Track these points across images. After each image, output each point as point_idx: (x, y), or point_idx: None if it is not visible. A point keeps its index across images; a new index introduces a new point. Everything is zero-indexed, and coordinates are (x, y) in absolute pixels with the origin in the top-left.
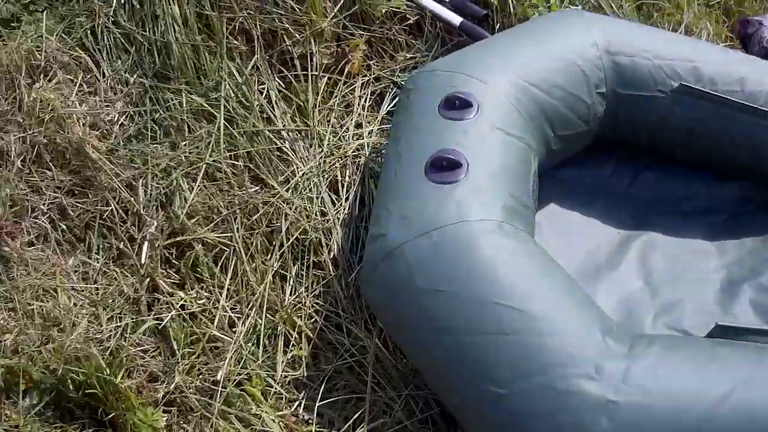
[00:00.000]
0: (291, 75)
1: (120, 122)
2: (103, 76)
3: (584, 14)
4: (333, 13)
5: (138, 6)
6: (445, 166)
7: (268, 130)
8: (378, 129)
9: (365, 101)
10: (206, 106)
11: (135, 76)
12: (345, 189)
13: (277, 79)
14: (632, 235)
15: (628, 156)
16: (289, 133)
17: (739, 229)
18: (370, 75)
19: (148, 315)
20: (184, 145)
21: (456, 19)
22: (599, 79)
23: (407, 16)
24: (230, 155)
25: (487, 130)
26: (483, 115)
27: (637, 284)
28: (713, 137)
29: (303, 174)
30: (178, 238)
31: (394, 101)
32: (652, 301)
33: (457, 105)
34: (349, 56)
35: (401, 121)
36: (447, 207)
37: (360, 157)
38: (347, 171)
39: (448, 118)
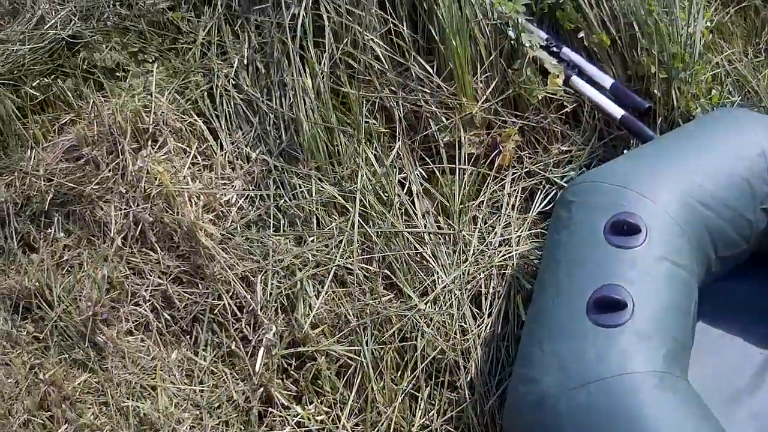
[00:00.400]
0: (435, 165)
1: (238, 205)
2: (221, 149)
3: (751, 115)
4: (484, 97)
5: (264, 70)
6: (609, 306)
7: (408, 232)
8: (528, 234)
9: (515, 200)
10: (339, 197)
11: (257, 152)
12: (488, 303)
13: (419, 167)
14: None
15: None
16: (431, 237)
17: None
18: (522, 169)
19: (259, 427)
20: (312, 240)
21: (617, 112)
22: (765, 194)
23: (564, 103)
24: (363, 258)
25: (654, 261)
26: (651, 242)
27: None
28: None
29: (445, 286)
30: (299, 349)
31: (546, 201)
32: None
33: (625, 230)
34: (500, 147)
35: (562, 241)
36: (609, 356)
37: (507, 267)
38: (492, 282)
39: (615, 245)
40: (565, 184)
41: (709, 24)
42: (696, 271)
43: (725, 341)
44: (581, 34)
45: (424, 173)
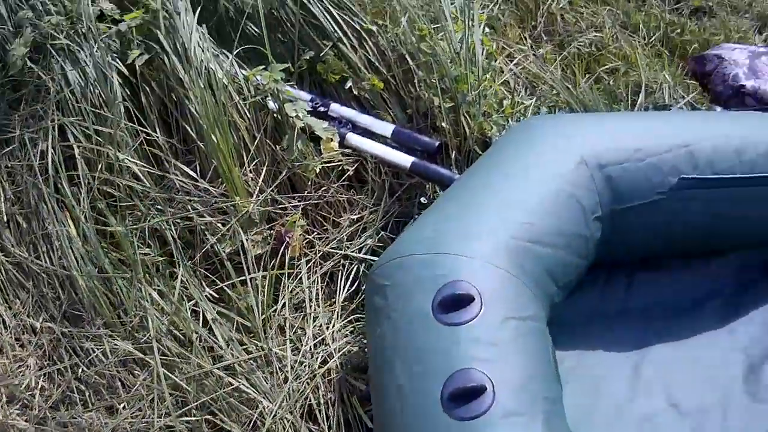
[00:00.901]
0: (224, 284)
1: (39, 386)
2: (5, 327)
3: (556, 120)
4: (258, 188)
5: (25, 224)
6: (466, 395)
7: (216, 368)
8: (341, 325)
9: (317, 290)
10: (136, 351)
11: (41, 321)
12: (324, 416)
13: (207, 289)
14: (640, 354)
15: (615, 269)
16: (243, 364)
17: (747, 302)
18: (315, 254)
19: None
20: (123, 407)
21: (405, 160)
22: (594, 204)
23: (345, 167)
24: (181, 410)
25: (498, 326)
26: (488, 306)
27: (661, 408)
28: (717, 222)
29: (274, 414)
30: None
31: (350, 280)
32: (682, 421)
33: (455, 303)
34: (287, 238)
35: (387, 335)
36: None
37: (331, 371)
38: (320, 392)
39: (449, 324)
40: (366, 256)
41: (487, 30)
42: (542, 314)
43: (589, 358)
44: (348, 84)
45: (214, 293)
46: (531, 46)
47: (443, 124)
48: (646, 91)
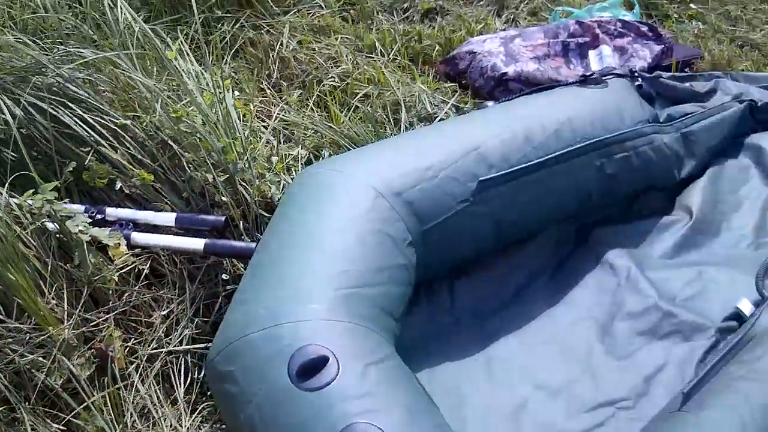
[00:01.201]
0: (66, 412)
1: None
2: None
3: (342, 160)
4: (65, 312)
5: None
6: None
7: None
8: (192, 421)
9: (156, 394)
10: None
11: None
12: None
13: (55, 425)
14: (485, 354)
15: (435, 282)
16: None
17: (571, 272)
18: (140, 359)
19: None
20: None
21: (197, 244)
22: (403, 231)
23: (139, 267)
24: None
25: (362, 376)
26: (344, 360)
27: (530, 394)
28: (525, 210)
29: None
30: None
31: (183, 377)
32: (555, 399)
33: (311, 369)
34: (109, 353)
35: (254, 419)
36: None
37: None
38: None
39: (314, 389)
40: (189, 347)
41: (238, 93)
42: (392, 349)
43: (439, 373)
44: (118, 185)
45: (62, 427)
46: (278, 96)
47: (223, 198)
48: (406, 106)
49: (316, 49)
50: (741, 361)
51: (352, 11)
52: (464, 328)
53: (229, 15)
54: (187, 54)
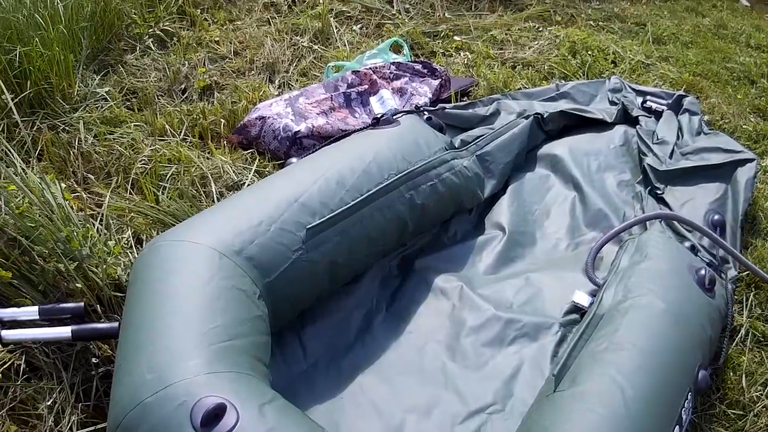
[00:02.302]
0: None
1: None
2: None
3: (181, 230)
4: None
5: None
6: None
7: None
8: None
9: None
10: None
11: None
12: None
13: None
14: (350, 394)
15: (286, 331)
16: None
17: (404, 306)
18: None
19: None
20: None
21: (64, 332)
22: (251, 285)
23: (16, 363)
24: None
25: (260, 415)
26: (240, 404)
27: (408, 416)
28: (353, 249)
29: None
30: None
31: None
32: (427, 422)
33: (214, 418)
34: None
35: None
36: None
37: None
38: None
39: None
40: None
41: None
42: (274, 391)
43: (314, 416)
44: None
45: None
46: (93, 187)
47: (77, 285)
48: (213, 178)
49: (114, 138)
50: (599, 338)
51: (134, 99)
52: (322, 371)
53: (26, 118)
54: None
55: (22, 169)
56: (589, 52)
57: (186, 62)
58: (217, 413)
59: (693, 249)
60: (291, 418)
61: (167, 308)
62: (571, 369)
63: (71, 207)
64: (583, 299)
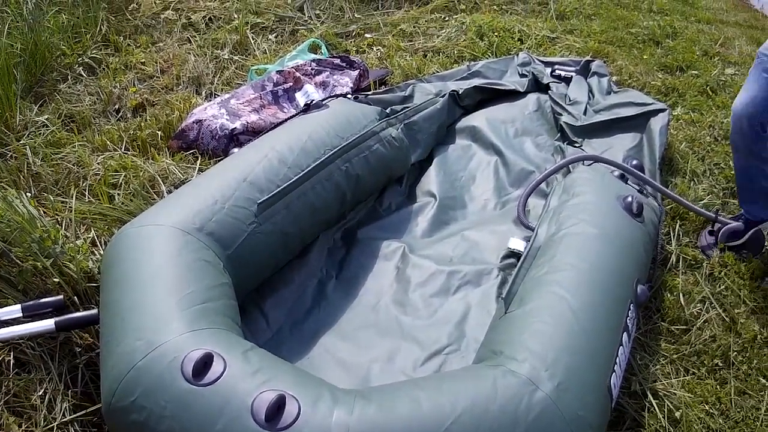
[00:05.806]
0: None
1: None
2: None
3: (141, 219)
4: None
5: None
6: (278, 408)
7: None
8: None
9: None
10: None
11: None
12: None
13: None
14: (318, 353)
15: (248, 305)
16: None
17: (353, 274)
18: None
19: None
20: None
21: (48, 324)
22: (215, 258)
23: (6, 359)
24: None
25: (244, 359)
26: (227, 351)
27: (368, 366)
28: (300, 220)
29: None
30: None
31: None
32: (392, 367)
33: (204, 367)
34: None
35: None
36: None
37: None
38: None
39: (211, 382)
40: (74, 416)
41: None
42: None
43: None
44: None
45: None
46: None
47: (55, 280)
48: (162, 179)
49: (62, 158)
50: (539, 265)
51: (72, 123)
52: (286, 337)
53: None
54: None
55: None
56: (496, 33)
57: (117, 84)
58: (205, 362)
59: (623, 177)
60: (274, 360)
61: (143, 283)
62: (517, 293)
63: (40, 213)
64: (518, 244)
